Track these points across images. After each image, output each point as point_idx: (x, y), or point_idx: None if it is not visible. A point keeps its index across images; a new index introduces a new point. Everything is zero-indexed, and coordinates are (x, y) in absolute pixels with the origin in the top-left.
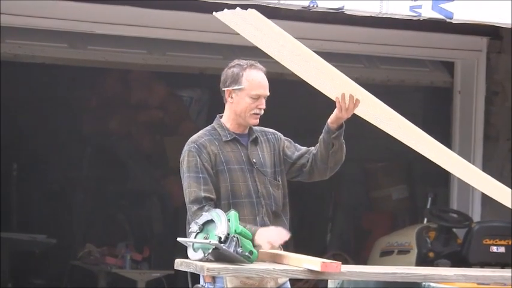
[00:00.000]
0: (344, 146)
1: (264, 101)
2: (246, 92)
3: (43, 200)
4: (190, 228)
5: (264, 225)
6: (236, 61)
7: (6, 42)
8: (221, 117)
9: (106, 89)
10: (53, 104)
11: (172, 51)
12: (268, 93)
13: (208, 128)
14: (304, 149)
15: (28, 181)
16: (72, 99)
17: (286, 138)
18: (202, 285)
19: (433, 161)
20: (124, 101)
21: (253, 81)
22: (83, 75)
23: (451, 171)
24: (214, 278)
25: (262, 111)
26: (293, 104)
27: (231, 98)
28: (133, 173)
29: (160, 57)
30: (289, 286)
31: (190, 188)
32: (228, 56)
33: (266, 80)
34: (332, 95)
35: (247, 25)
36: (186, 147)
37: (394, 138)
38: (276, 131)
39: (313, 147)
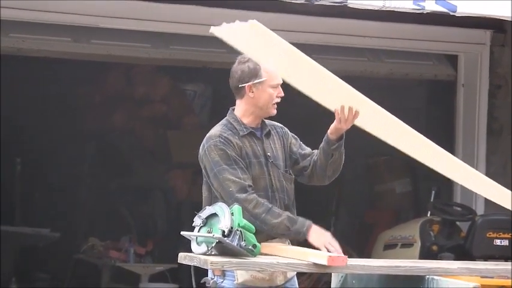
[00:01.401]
0: (343, 155)
1: (281, 89)
2: (268, 84)
3: (46, 194)
4: (194, 221)
5: None
6: (245, 56)
7: (10, 36)
8: (233, 110)
9: (109, 83)
10: (56, 98)
11: (175, 45)
12: (281, 81)
13: (223, 122)
14: (308, 150)
15: (32, 175)
16: (75, 93)
17: (292, 134)
18: (211, 278)
19: (436, 169)
20: (127, 95)
21: (271, 71)
22: (86, 70)
23: (454, 179)
24: (224, 272)
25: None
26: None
27: (252, 92)
28: (136, 167)
29: (163, 51)
30: (296, 281)
31: (230, 178)
32: (231, 50)
33: None
34: (331, 106)
35: (246, 38)
36: (208, 143)
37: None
38: (283, 126)
39: (316, 151)
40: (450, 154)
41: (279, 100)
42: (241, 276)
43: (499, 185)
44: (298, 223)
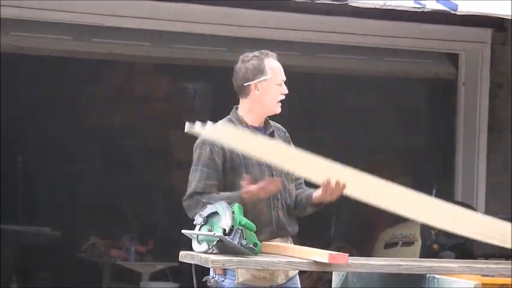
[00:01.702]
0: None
1: (285, 87)
2: (273, 81)
3: (47, 193)
4: (195, 220)
5: (278, 219)
6: (248, 54)
7: (11, 35)
8: (237, 108)
9: (110, 82)
10: (57, 97)
11: (176, 44)
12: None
13: (224, 120)
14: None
15: (32, 174)
16: (76, 92)
17: (290, 139)
18: (212, 277)
19: (430, 223)
20: (128, 94)
21: (275, 69)
22: (87, 68)
23: (449, 230)
24: (225, 271)
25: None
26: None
27: (257, 90)
28: (137, 165)
29: (164, 49)
30: (298, 280)
31: (193, 179)
32: (232, 48)
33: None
34: (319, 179)
35: (221, 135)
36: (201, 138)
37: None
38: (286, 131)
39: (302, 182)
40: (441, 203)
41: (283, 97)
42: (242, 275)
43: (497, 221)
44: (232, 198)
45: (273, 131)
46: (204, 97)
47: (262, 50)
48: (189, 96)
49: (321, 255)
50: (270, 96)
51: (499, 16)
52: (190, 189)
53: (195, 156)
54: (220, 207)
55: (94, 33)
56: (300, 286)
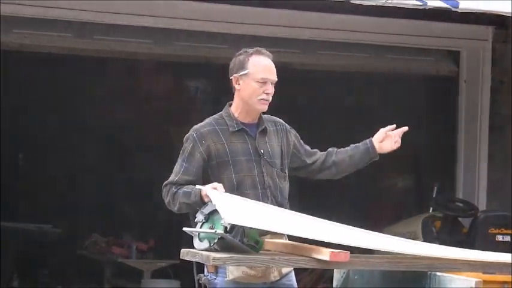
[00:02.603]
0: None
1: (270, 87)
2: (252, 77)
3: (48, 190)
4: (196, 218)
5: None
6: (243, 49)
7: (13, 32)
8: (230, 105)
9: (111, 79)
10: (59, 94)
11: (178, 41)
12: (275, 79)
13: (215, 116)
14: (307, 146)
15: (34, 171)
16: (78, 89)
17: (294, 132)
18: (205, 276)
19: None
20: (130, 91)
21: (259, 65)
22: (88, 65)
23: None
24: (216, 269)
25: (270, 98)
26: (299, 94)
27: (238, 84)
28: (139, 162)
29: (166, 46)
30: (293, 277)
31: (173, 171)
32: (234, 45)
33: (273, 65)
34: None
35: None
36: (189, 132)
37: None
38: (284, 123)
39: (324, 152)
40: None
41: (266, 97)
42: (232, 273)
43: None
44: (192, 193)
45: (265, 128)
46: (206, 94)
47: (258, 48)
48: (191, 93)
49: (322, 252)
50: (248, 91)
51: (500, 14)
52: (167, 180)
53: (182, 148)
54: None
55: (95, 31)
56: (295, 283)
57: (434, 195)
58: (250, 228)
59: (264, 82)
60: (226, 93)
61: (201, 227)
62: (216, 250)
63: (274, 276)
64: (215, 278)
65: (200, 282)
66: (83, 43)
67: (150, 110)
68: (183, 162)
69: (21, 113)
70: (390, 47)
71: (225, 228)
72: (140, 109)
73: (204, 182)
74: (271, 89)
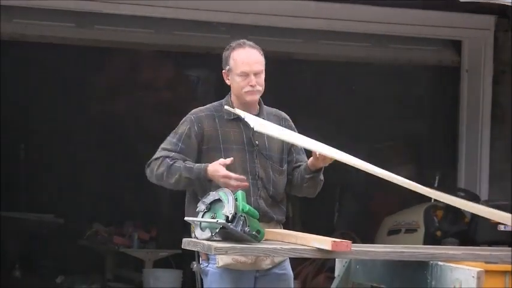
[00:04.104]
0: (320, 184)
1: (253, 78)
2: (234, 71)
3: (51, 180)
4: (198, 207)
5: (257, 207)
6: (231, 43)
7: (13, 22)
8: (231, 96)
9: (113, 69)
10: (60, 84)
11: (179, 31)
12: (256, 69)
13: (216, 103)
14: (303, 158)
15: (35, 161)
16: (79, 79)
17: (295, 129)
18: (198, 263)
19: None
20: (131, 81)
21: (238, 60)
22: (89, 55)
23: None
24: (207, 256)
25: (259, 87)
26: (300, 84)
27: (228, 79)
28: (140, 152)
29: (167, 36)
30: (288, 266)
31: (165, 145)
32: (235, 35)
33: (254, 56)
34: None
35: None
36: (187, 114)
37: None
38: (289, 119)
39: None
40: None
41: (251, 88)
42: (222, 259)
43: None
44: (195, 169)
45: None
46: (207, 84)
47: (241, 40)
48: (192, 83)
49: (324, 242)
50: (234, 85)
51: (502, 3)
52: (158, 154)
53: (176, 128)
54: (223, 194)
55: (96, 20)
56: (290, 272)
57: (436, 185)
58: (252, 218)
59: (246, 75)
60: (227, 84)
61: (202, 217)
62: (217, 240)
63: (266, 264)
64: (207, 266)
65: (193, 270)
66: (84, 33)
67: (151, 99)
68: (179, 143)
69: (22, 103)
70: (392, 37)
71: (227, 217)
72: (141, 99)
73: None
74: (254, 81)
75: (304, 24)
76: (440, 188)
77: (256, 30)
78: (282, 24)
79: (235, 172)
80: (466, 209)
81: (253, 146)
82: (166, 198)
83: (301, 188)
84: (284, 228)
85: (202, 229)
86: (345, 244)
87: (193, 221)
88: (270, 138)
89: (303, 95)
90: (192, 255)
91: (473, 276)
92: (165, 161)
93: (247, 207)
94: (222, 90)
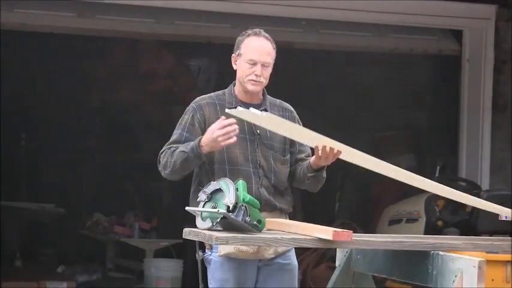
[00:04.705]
0: (322, 181)
1: (259, 68)
2: (243, 57)
3: (52, 170)
4: (199, 197)
5: (259, 196)
6: (247, 30)
7: (14, 12)
8: (235, 84)
9: (114, 59)
10: (61, 74)
11: (180, 20)
12: (265, 60)
13: (219, 92)
14: (306, 150)
15: (36, 151)
16: (80, 68)
17: (299, 122)
18: (202, 252)
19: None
20: (132, 71)
21: (250, 46)
22: (90, 45)
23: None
24: (211, 245)
25: (262, 79)
26: (302, 73)
27: (235, 64)
28: (141, 142)
29: (168, 26)
30: (292, 256)
31: (171, 138)
32: (236, 24)
33: (267, 47)
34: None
35: (257, 118)
36: (189, 105)
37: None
38: (293, 110)
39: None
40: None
41: (255, 78)
42: (224, 248)
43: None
44: (190, 145)
45: (265, 110)
46: (208, 74)
47: (257, 30)
48: (193, 72)
49: (325, 232)
50: (240, 71)
51: None
52: (165, 147)
53: (180, 119)
54: (224, 183)
55: (97, 10)
56: (295, 261)
57: (437, 175)
58: (253, 208)
59: (253, 63)
60: (228, 73)
61: (203, 206)
62: (218, 229)
63: (268, 254)
64: (210, 254)
65: (197, 258)
66: (85, 23)
67: (152, 89)
68: (183, 132)
69: (23, 93)
70: (393, 26)
71: (228, 207)
72: (142, 88)
73: None
74: (259, 71)
75: (305, 13)
76: (441, 178)
77: (258, 20)
78: (282, 14)
79: (236, 160)
80: (468, 203)
81: (254, 135)
82: (167, 188)
83: (303, 184)
84: (290, 219)
85: (203, 219)
86: (345, 234)
87: (194, 210)
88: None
89: (304, 84)
90: (193, 245)
91: (474, 266)
92: (168, 151)
93: (248, 197)
94: (223, 79)
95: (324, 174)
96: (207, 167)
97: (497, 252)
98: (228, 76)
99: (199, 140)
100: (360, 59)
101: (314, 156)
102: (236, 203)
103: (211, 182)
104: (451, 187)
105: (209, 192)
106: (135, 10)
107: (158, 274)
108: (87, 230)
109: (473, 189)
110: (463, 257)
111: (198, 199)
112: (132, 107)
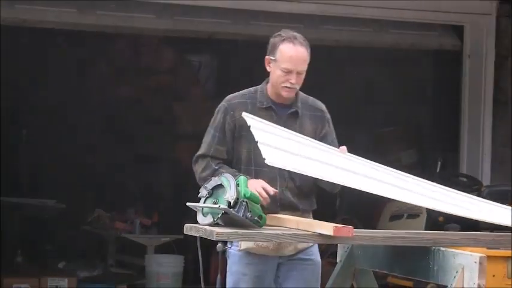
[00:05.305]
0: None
1: (294, 76)
2: (278, 64)
3: (52, 166)
4: (200, 192)
5: (283, 197)
6: (283, 31)
7: (15, 7)
8: (268, 82)
9: (115, 54)
10: (62, 69)
11: (181, 16)
12: (301, 69)
13: (251, 89)
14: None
15: (38, 147)
16: (81, 64)
17: (331, 127)
18: (223, 244)
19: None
20: (133, 66)
21: (285, 55)
22: (91, 41)
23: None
24: None
25: (296, 86)
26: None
27: (269, 66)
28: (142, 137)
29: (169, 21)
30: (315, 252)
31: (205, 138)
32: (237, 20)
33: (302, 55)
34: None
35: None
36: (221, 103)
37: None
38: (324, 110)
39: None
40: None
41: (290, 85)
42: (245, 243)
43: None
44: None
45: (296, 111)
46: (208, 69)
47: (293, 34)
48: (194, 68)
49: (326, 227)
50: (274, 76)
51: None
52: (201, 150)
53: (213, 118)
54: (225, 179)
55: (98, 6)
56: (317, 257)
57: (438, 170)
58: (254, 203)
59: (288, 72)
60: (229, 69)
61: (204, 202)
62: (219, 225)
63: (288, 250)
64: (230, 247)
65: (218, 250)
66: (86, 18)
67: (153, 84)
68: (216, 132)
69: (24, 88)
70: (394, 22)
71: (229, 203)
72: (143, 84)
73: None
74: (294, 79)
75: (306, 9)
76: (442, 173)
77: (257, 15)
78: (283, 9)
79: (262, 162)
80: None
81: None
82: (168, 183)
83: (321, 182)
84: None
85: (204, 215)
86: (346, 229)
87: (195, 206)
88: (303, 129)
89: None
90: (194, 241)
91: (475, 262)
92: (209, 164)
93: (249, 192)
94: (224, 74)
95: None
96: (235, 166)
97: (498, 248)
98: (229, 71)
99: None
100: (361, 54)
101: None
102: (237, 199)
103: (212, 178)
104: (452, 183)
105: (210, 188)
106: (136, 6)
107: (159, 270)
108: (88, 226)
109: (474, 184)
110: (464, 252)
111: (199, 195)
112: (133, 102)
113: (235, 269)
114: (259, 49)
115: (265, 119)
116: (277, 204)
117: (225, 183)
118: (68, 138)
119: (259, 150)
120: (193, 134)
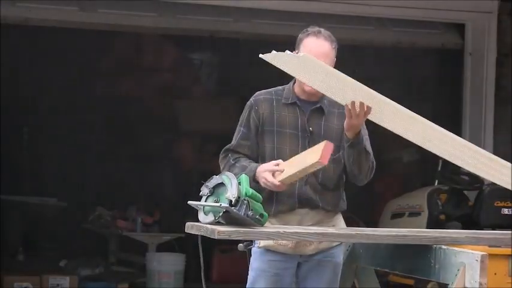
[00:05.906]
0: (366, 155)
1: None
2: None
3: (54, 164)
4: (201, 191)
5: (302, 193)
6: (310, 27)
7: (16, 6)
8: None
9: (116, 53)
10: (63, 68)
11: (182, 14)
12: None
13: (279, 86)
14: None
15: (39, 145)
16: (82, 62)
17: None
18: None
19: (444, 156)
20: (134, 64)
21: (308, 48)
22: (93, 39)
23: (463, 166)
24: None
25: None
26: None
27: None
28: (144, 135)
29: (170, 19)
30: (337, 253)
31: (234, 137)
32: (239, 18)
33: (324, 49)
34: (343, 101)
35: (294, 64)
36: (250, 99)
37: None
38: None
39: None
40: (458, 137)
41: None
42: (264, 240)
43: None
44: (248, 168)
45: (320, 107)
46: (210, 67)
47: (318, 29)
48: (195, 66)
49: (314, 152)
50: None
51: None
52: (228, 145)
53: (242, 114)
54: (226, 177)
55: (100, 4)
56: (339, 259)
57: (439, 169)
58: (255, 202)
59: None
60: (230, 67)
61: (205, 200)
62: (220, 223)
63: (309, 250)
64: (253, 246)
65: (239, 250)
66: (87, 16)
67: (154, 82)
68: (241, 127)
69: (24, 86)
70: (396, 20)
71: (230, 201)
72: (145, 82)
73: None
74: None
75: (307, 7)
76: (443, 171)
77: (259, 13)
78: (284, 8)
79: (285, 156)
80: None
81: (306, 132)
82: (169, 181)
83: (351, 169)
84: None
85: (205, 213)
86: (328, 145)
87: (197, 205)
88: (328, 125)
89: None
90: (195, 239)
91: (477, 260)
92: (228, 159)
93: (251, 191)
94: (226, 73)
95: (370, 157)
96: (260, 162)
97: (499, 246)
98: (230, 69)
99: (256, 167)
100: (362, 53)
101: (346, 120)
102: (238, 197)
103: (214, 176)
104: (454, 181)
105: (211, 186)
106: (138, 4)
107: (160, 268)
108: (89, 224)
109: (475, 183)
110: (465, 251)
111: (200, 193)
112: (134, 100)
113: (255, 266)
114: (261, 47)
115: (289, 114)
116: (295, 200)
117: (226, 182)
118: (69, 136)
119: (282, 144)
120: (194, 132)
